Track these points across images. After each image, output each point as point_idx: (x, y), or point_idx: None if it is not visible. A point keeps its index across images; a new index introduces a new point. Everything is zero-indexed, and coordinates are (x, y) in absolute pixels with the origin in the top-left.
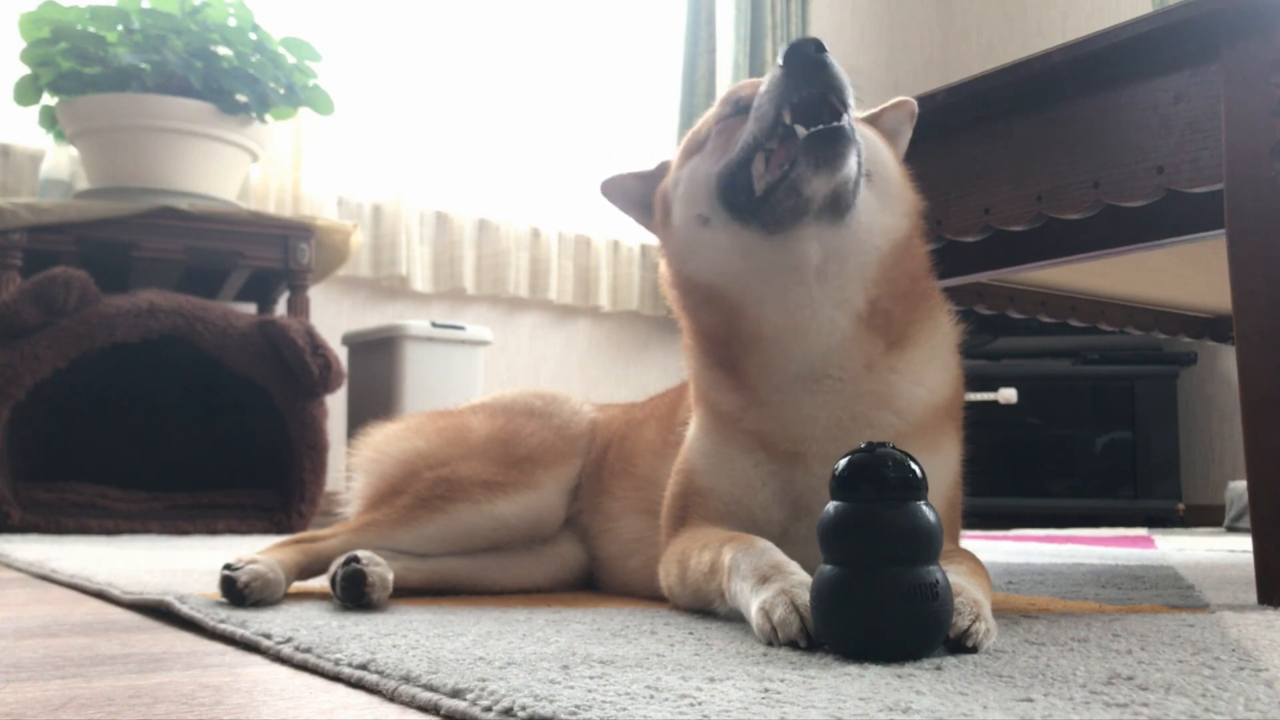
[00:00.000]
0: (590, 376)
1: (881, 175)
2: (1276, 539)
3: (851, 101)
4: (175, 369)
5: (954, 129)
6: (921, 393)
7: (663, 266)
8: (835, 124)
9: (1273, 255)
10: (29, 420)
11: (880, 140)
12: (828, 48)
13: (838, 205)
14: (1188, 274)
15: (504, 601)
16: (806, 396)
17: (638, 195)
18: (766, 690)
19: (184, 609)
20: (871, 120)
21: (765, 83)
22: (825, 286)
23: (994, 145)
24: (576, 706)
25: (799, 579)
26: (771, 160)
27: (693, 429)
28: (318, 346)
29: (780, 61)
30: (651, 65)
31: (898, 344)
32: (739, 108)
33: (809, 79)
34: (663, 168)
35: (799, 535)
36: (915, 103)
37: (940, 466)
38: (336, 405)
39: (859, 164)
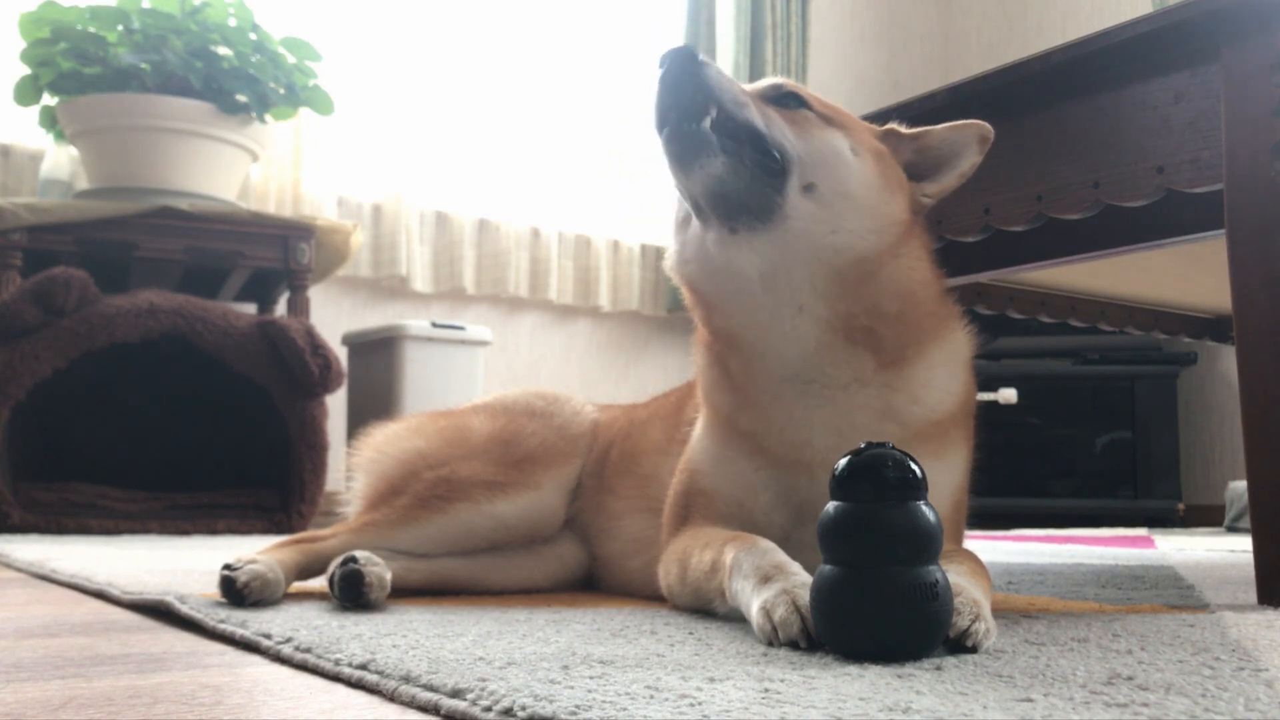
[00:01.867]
0: (590, 376)
1: (834, 190)
2: (1276, 539)
3: (729, 104)
4: (175, 369)
5: None
6: (920, 410)
7: None
8: (688, 126)
9: (1273, 255)
10: (29, 420)
11: (853, 155)
12: (706, 60)
13: (745, 208)
14: (1188, 274)
15: (504, 601)
16: (797, 400)
17: None
18: (766, 690)
19: (184, 609)
20: (920, 137)
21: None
22: (775, 294)
23: (994, 145)
24: (576, 706)
25: (801, 579)
26: None
27: (698, 429)
28: (318, 346)
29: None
30: (652, 65)
31: (894, 364)
32: None
33: (680, 89)
34: None
35: (802, 540)
36: (988, 128)
37: (946, 472)
38: (336, 405)
39: (750, 168)
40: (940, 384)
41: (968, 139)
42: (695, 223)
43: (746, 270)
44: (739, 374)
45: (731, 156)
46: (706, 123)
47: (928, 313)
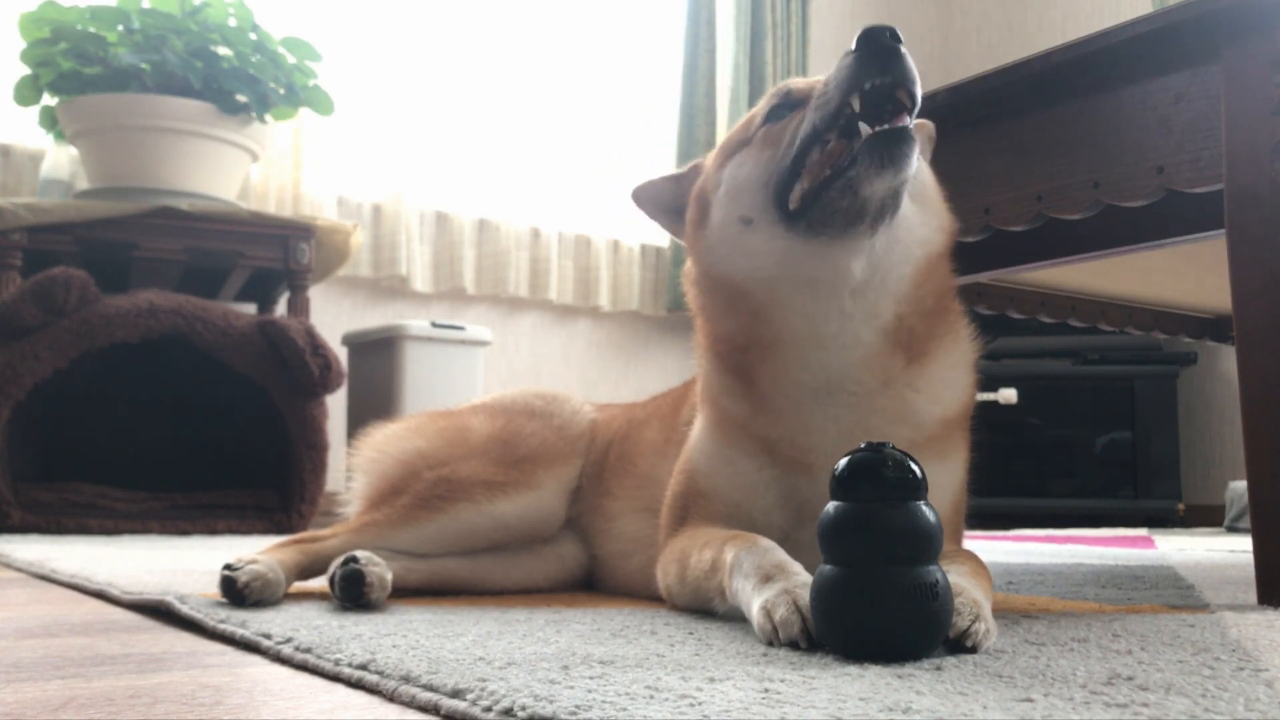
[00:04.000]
0: (590, 376)
1: (921, 186)
2: (1276, 539)
3: (919, 99)
4: (175, 369)
5: (954, 129)
6: (936, 410)
7: (689, 265)
8: (901, 124)
9: (1273, 255)
10: (29, 420)
11: (923, 161)
12: (902, 38)
13: (889, 209)
14: (1188, 274)
15: (504, 601)
16: (818, 409)
17: (669, 200)
18: (766, 690)
19: (184, 609)
20: None
21: (834, 69)
22: (860, 301)
23: (994, 145)
24: (576, 706)
25: (802, 579)
26: (826, 155)
27: (697, 429)
28: (318, 346)
29: (853, 46)
30: (651, 65)
31: (917, 359)
32: (790, 102)
33: (883, 67)
34: (695, 170)
35: (801, 541)
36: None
37: (948, 473)
38: (336, 405)
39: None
40: (955, 381)
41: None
42: (774, 226)
43: (844, 278)
44: (765, 384)
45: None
46: (909, 120)
47: (946, 309)
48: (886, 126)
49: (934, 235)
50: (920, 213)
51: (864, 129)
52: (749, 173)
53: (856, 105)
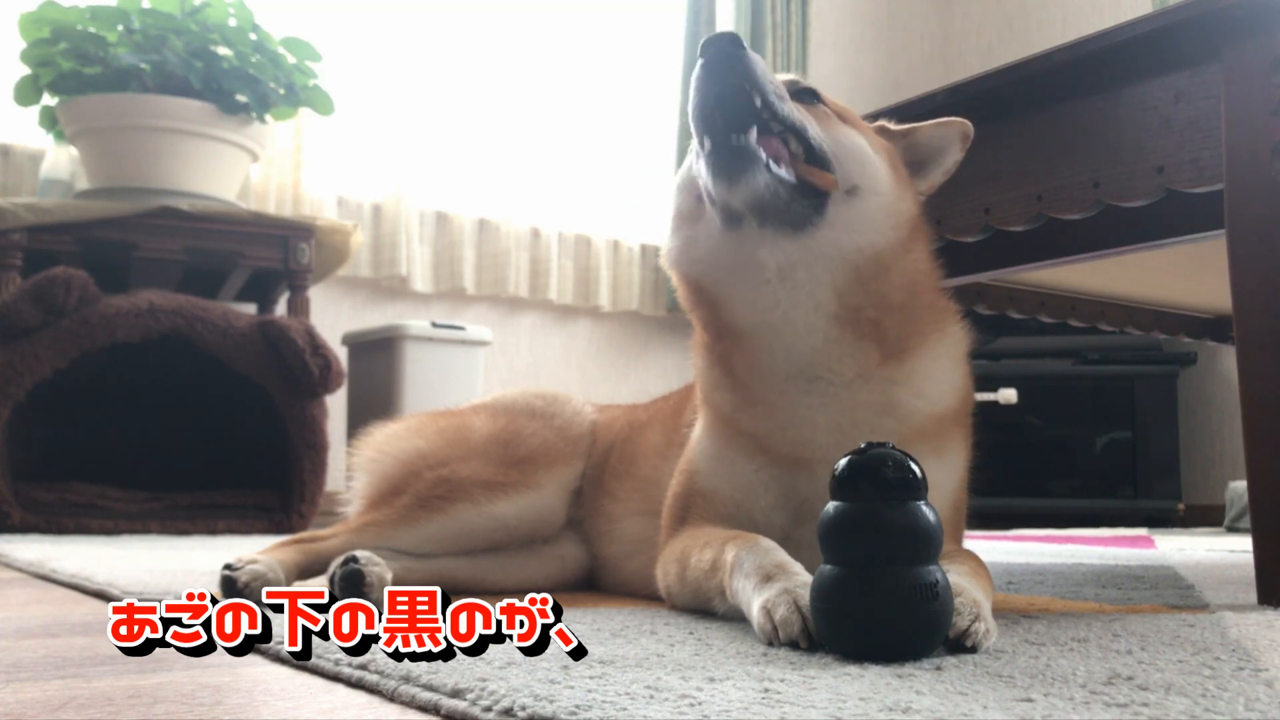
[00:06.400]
0: (590, 376)
1: (870, 189)
2: (1276, 539)
3: (773, 99)
4: (175, 369)
5: None
6: (922, 405)
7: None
8: (736, 140)
9: (1273, 255)
10: (29, 420)
11: (874, 152)
12: (746, 45)
13: (782, 218)
14: (1188, 274)
15: None
16: (801, 398)
17: None
18: (766, 690)
19: None
20: (909, 134)
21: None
22: (792, 290)
23: (994, 145)
24: (576, 706)
25: (802, 579)
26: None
27: (697, 431)
28: (318, 346)
29: (699, 57)
30: (652, 65)
31: (896, 356)
32: None
33: (726, 73)
34: None
35: (802, 540)
36: (970, 125)
37: (945, 470)
38: (336, 405)
39: (788, 179)
40: (941, 377)
41: (951, 136)
42: (710, 216)
43: (767, 264)
44: (744, 373)
45: (773, 175)
46: (752, 135)
47: (927, 304)
48: (718, 143)
49: (877, 237)
50: (861, 217)
51: (706, 143)
52: (682, 174)
53: (695, 135)
